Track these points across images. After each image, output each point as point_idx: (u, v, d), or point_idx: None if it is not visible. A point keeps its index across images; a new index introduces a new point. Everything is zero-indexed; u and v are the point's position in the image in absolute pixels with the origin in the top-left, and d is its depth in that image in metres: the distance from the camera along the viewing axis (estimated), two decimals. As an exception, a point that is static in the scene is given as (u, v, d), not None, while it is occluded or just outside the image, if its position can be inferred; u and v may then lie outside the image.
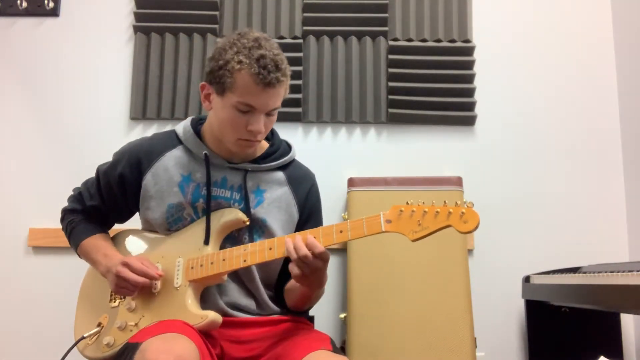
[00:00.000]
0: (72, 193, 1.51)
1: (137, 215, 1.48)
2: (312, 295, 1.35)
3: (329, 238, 1.21)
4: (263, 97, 1.25)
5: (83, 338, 1.34)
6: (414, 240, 1.15)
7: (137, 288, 1.28)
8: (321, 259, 1.19)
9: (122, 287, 1.29)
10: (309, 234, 1.21)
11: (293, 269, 1.20)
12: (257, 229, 1.38)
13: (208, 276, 1.28)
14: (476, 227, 1.10)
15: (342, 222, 1.22)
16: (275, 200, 1.41)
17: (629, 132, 2.21)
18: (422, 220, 1.14)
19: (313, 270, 1.20)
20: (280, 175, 1.44)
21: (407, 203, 1.17)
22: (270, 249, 1.24)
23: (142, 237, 1.43)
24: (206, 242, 1.32)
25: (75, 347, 1.34)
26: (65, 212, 1.49)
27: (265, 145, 1.47)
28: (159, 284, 1.31)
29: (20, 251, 2.17)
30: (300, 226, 1.44)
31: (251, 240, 1.37)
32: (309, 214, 1.47)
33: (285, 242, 1.21)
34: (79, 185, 1.51)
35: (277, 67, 1.24)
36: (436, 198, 2.05)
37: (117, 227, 1.51)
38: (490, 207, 2.14)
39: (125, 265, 1.28)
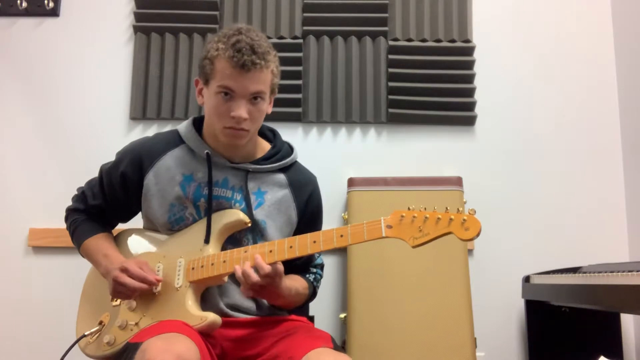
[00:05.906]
0: (75, 193, 1.51)
1: (140, 214, 1.48)
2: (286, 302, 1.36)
3: (329, 242, 1.20)
4: (240, 79, 1.26)
5: (84, 336, 1.34)
6: (414, 247, 1.14)
7: (135, 293, 1.29)
8: (268, 277, 1.21)
9: (120, 292, 1.29)
10: (262, 251, 1.24)
11: (247, 292, 1.23)
12: (256, 231, 1.38)
13: (208, 277, 1.28)
14: (477, 235, 1.09)
15: (342, 227, 1.21)
16: (275, 203, 1.40)
17: (629, 132, 2.21)
18: (423, 226, 1.13)
19: (263, 291, 1.24)
20: (281, 177, 1.43)
21: (409, 208, 1.16)
22: (271, 251, 1.24)
23: (144, 237, 1.43)
24: (207, 240, 1.32)
25: (76, 345, 1.35)
26: (69, 212, 1.49)
27: (267, 146, 1.46)
28: (159, 284, 1.31)
29: (20, 251, 2.17)
30: (299, 230, 1.43)
31: (252, 242, 1.37)
32: (308, 218, 1.46)
33: (234, 269, 1.22)
34: (82, 185, 1.51)
35: (252, 50, 1.25)
36: (436, 198, 2.08)
37: (120, 226, 1.51)
38: (490, 207, 2.14)
39: (124, 270, 1.28)
